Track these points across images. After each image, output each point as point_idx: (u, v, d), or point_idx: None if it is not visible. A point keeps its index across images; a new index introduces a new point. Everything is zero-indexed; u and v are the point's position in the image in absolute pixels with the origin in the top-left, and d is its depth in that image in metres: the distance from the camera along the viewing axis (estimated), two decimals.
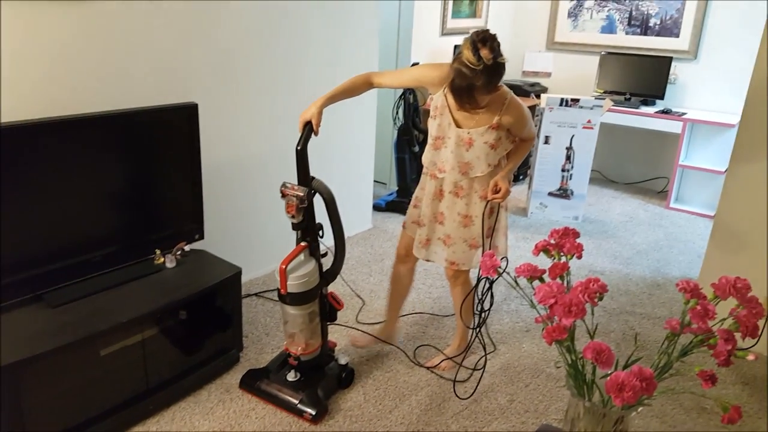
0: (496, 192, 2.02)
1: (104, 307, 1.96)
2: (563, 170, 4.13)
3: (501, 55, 1.76)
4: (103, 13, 2.18)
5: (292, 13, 2.90)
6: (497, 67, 1.76)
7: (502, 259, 2.12)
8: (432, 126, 2.08)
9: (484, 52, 1.73)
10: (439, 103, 2.04)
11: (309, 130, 1.97)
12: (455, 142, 2.02)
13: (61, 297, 1.97)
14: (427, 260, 2.26)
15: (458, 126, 2.02)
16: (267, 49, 2.84)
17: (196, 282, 2.19)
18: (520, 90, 5.02)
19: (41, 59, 2.04)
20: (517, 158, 2.12)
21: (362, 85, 2.08)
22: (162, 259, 2.27)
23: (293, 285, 2.01)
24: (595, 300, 1.30)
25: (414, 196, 2.29)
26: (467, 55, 1.75)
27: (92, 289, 2.04)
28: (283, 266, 1.99)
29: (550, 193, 4.19)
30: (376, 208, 4.09)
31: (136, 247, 2.24)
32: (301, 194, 1.96)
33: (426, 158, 2.13)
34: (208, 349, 2.31)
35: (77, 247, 2.05)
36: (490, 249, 2.18)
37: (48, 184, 1.91)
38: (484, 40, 1.74)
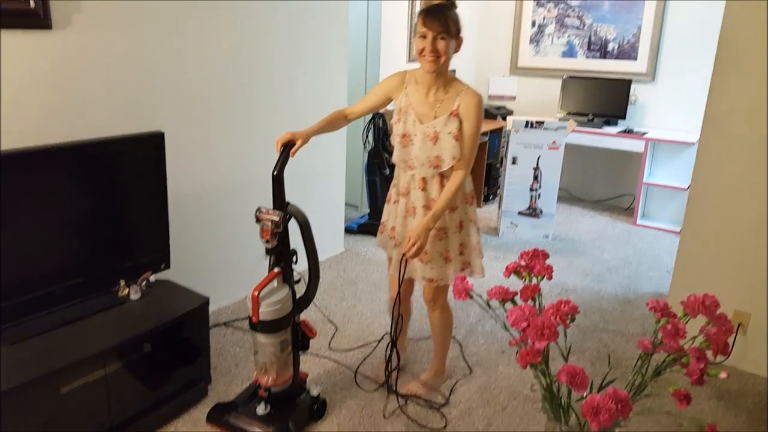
0: (413, 243, 1.95)
1: (65, 343, 1.88)
2: (531, 189, 4.18)
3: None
4: (68, 43, 2.14)
5: (260, 42, 2.89)
6: (456, 6, 1.98)
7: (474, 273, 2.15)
8: (398, 128, 2.08)
9: None
10: (402, 104, 2.07)
11: (286, 154, 1.94)
12: (421, 138, 2.03)
13: (19, 333, 1.88)
14: (408, 278, 2.23)
15: (422, 123, 2.04)
16: (234, 77, 2.82)
17: (161, 313, 2.13)
18: (487, 113, 5.10)
19: (4, 90, 1.98)
20: (443, 199, 2.00)
21: (339, 120, 2.11)
22: (126, 291, 2.20)
23: (266, 312, 1.96)
24: (567, 322, 1.30)
25: (385, 212, 2.28)
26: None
27: (52, 324, 1.95)
28: (256, 292, 1.94)
29: (520, 213, 4.23)
30: (348, 231, 4.07)
31: (99, 278, 2.17)
32: (277, 219, 1.93)
33: (396, 156, 2.13)
34: (175, 383, 2.24)
35: (37, 281, 1.97)
36: (460, 266, 2.18)
37: (7, 216, 1.84)
38: None
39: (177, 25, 2.50)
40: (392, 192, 2.25)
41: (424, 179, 2.08)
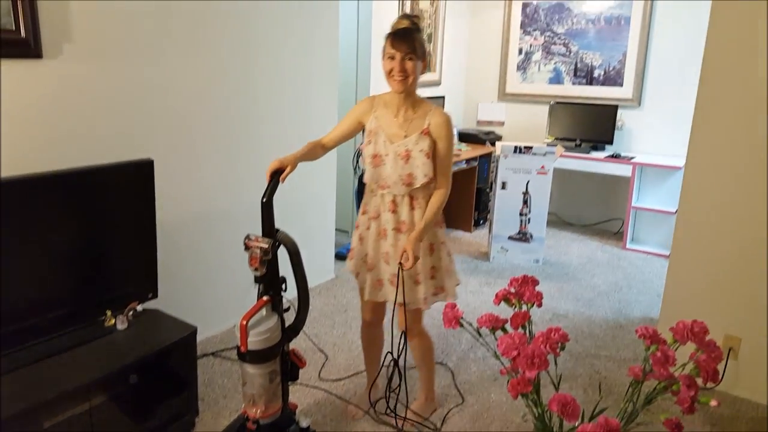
0: (409, 257, 1.99)
1: (49, 375, 1.84)
2: (521, 214, 4.20)
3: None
4: (58, 72, 2.15)
5: (248, 69, 2.91)
6: (421, 30, 2.05)
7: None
8: (369, 149, 2.10)
9: (414, 18, 2.06)
10: (372, 126, 2.09)
11: (276, 180, 1.94)
12: (393, 158, 2.05)
13: (4, 365, 1.84)
14: (384, 300, 2.22)
15: (392, 142, 2.06)
16: (222, 104, 2.83)
17: (148, 344, 2.09)
18: (475, 138, 5.16)
19: None
20: (429, 214, 2.05)
21: (317, 149, 2.12)
22: (113, 321, 2.17)
23: (254, 342, 1.92)
24: (557, 350, 1.29)
25: (356, 236, 2.25)
26: (401, 21, 2.03)
27: (36, 356, 1.92)
28: (244, 321, 1.91)
29: (510, 237, 4.24)
30: (339, 256, 4.05)
31: (85, 308, 2.14)
32: (265, 246, 1.91)
33: (368, 176, 2.14)
34: (161, 416, 2.19)
35: (23, 312, 1.94)
36: (432, 290, 2.16)
37: None
38: (409, 14, 2.14)
39: (165, 53, 2.52)
40: (361, 219, 2.24)
41: (393, 201, 2.09)
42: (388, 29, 2.03)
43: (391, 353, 2.22)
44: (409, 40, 1.97)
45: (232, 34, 2.79)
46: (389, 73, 1.99)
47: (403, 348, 2.17)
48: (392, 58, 1.97)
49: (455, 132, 5.12)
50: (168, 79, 2.55)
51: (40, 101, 2.12)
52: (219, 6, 2.69)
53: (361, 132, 2.18)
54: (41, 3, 2.05)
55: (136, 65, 2.41)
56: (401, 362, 2.19)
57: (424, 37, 4.82)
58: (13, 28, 1.99)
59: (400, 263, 2.01)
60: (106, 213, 2.16)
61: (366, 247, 2.20)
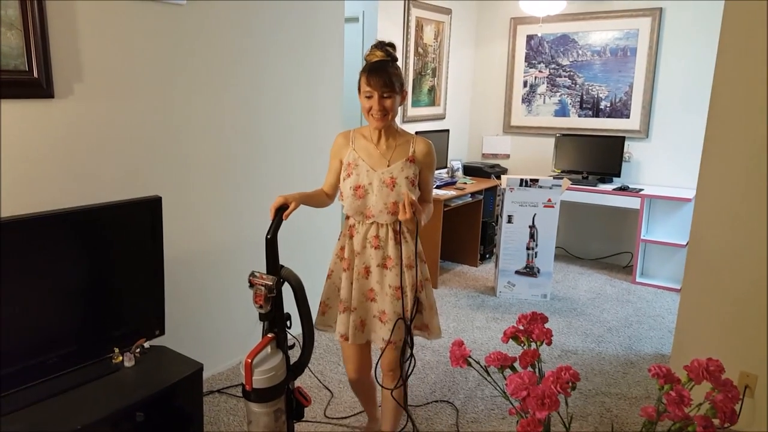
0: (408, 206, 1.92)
1: (58, 413, 1.83)
2: (528, 248, 4.17)
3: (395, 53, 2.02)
4: (68, 112, 2.18)
5: (253, 106, 2.95)
6: (397, 59, 2.01)
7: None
8: (349, 182, 2.04)
9: (389, 48, 1.99)
10: (351, 159, 2.05)
11: (280, 217, 1.95)
12: (378, 186, 2.01)
13: (12, 404, 1.84)
14: (365, 342, 2.14)
15: (375, 170, 2.03)
16: (228, 142, 2.86)
17: (154, 381, 2.07)
18: (480, 171, 5.18)
19: (3, 158, 2.01)
20: (424, 208, 2.05)
21: (322, 197, 2.16)
22: (120, 358, 2.16)
23: (259, 380, 1.90)
24: (568, 390, 1.26)
25: (325, 290, 2.17)
26: (375, 52, 1.97)
27: (45, 394, 1.92)
28: (249, 360, 1.89)
29: (517, 272, 4.21)
30: None
31: (94, 346, 2.13)
32: (270, 283, 1.90)
33: (351, 208, 2.04)
34: None
35: (31, 350, 1.95)
36: (418, 327, 2.11)
37: (2, 285, 1.83)
38: (384, 41, 2.00)
39: (172, 92, 2.56)
40: (336, 265, 2.14)
41: (377, 237, 2.04)
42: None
43: (403, 318, 2.06)
44: (385, 76, 1.92)
45: (238, 72, 2.84)
46: (368, 111, 1.97)
47: (414, 311, 2.07)
48: (370, 96, 1.94)
49: (460, 165, 5.17)
50: (175, 117, 2.59)
51: (51, 140, 2.15)
52: (225, 45, 2.75)
53: None
54: (53, 44, 2.10)
55: (143, 104, 2.45)
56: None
57: (429, 69, 4.90)
58: (27, 68, 2.03)
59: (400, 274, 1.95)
60: (115, 250, 2.17)
61: (343, 290, 2.10)
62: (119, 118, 2.36)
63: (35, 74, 2.05)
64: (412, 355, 2.13)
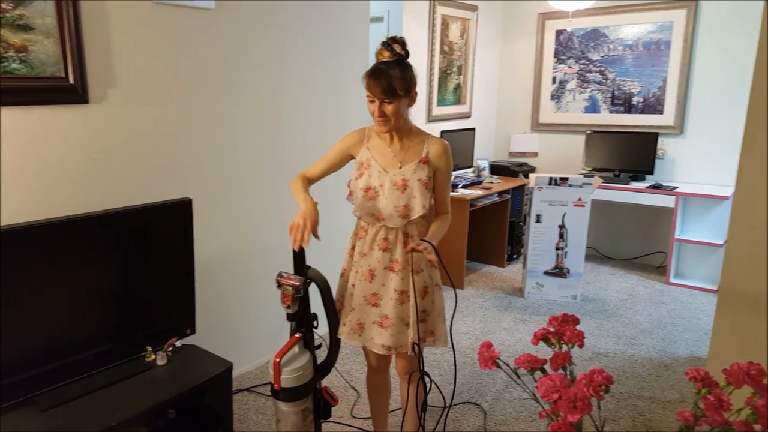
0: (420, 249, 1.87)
1: (94, 410, 1.89)
2: (557, 248, 4.11)
3: (408, 50, 1.91)
4: (103, 116, 2.23)
5: (284, 107, 2.97)
6: (407, 56, 1.90)
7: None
8: (360, 182, 1.99)
9: (396, 47, 1.87)
10: (363, 158, 2.00)
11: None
12: (389, 188, 1.95)
13: (51, 400, 1.91)
14: (363, 346, 2.08)
15: (387, 172, 1.97)
16: (258, 144, 2.88)
17: (186, 379, 2.11)
18: (507, 170, 5.12)
19: (38, 162, 2.07)
20: (438, 228, 1.98)
21: (305, 184, 2.01)
22: (153, 357, 2.20)
23: (287, 379, 1.91)
24: (601, 393, 1.23)
25: (342, 284, 2.11)
26: (382, 52, 1.88)
27: (82, 391, 1.98)
28: (277, 359, 1.90)
29: (546, 272, 4.15)
30: None
31: (128, 344, 2.19)
32: (297, 284, 1.91)
33: (361, 209, 1.99)
34: None
35: (70, 348, 2.01)
36: (421, 334, 2.02)
37: (40, 286, 1.89)
38: (394, 38, 1.89)
39: (202, 96, 2.59)
40: (349, 264, 2.09)
41: (386, 239, 1.98)
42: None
43: (417, 344, 2.03)
44: (383, 82, 1.82)
45: (264, 75, 2.86)
46: (372, 115, 1.90)
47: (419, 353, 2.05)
48: (372, 101, 1.87)
49: (486, 164, 5.12)
50: (204, 120, 2.62)
51: (86, 144, 2.20)
52: (251, 48, 2.77)
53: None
54: (88, 51, 2.14)
55: (174, 108, 2.48)
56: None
57: (454, 67, 4.86)
58: (63, 75, 2.09)
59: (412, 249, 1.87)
60: (148, 252, 2.22)
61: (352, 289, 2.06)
62: (151, 121, 2.40)
63: (71, 80, 2.11)
64: (423, 377, 2.07)
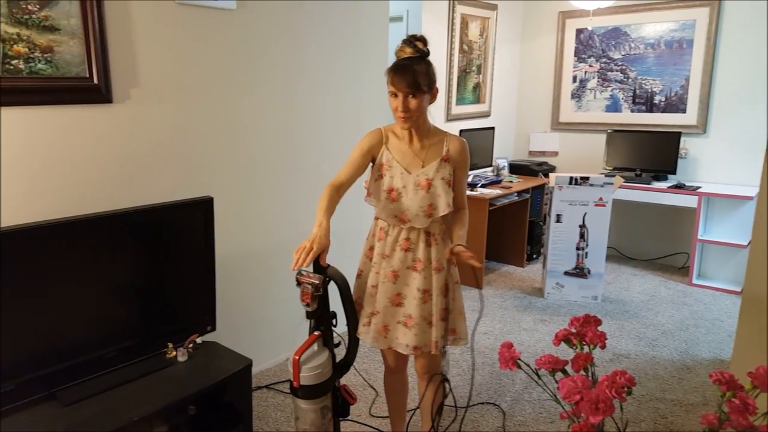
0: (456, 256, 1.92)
1: (115, 405, 1.92)
2: (578, 248, 4.07)
3: (428, 48, 1.93)
4: (126, 115, 2.27)
5: (304, 106, 2.99)
6: (428, 54, 1.91)
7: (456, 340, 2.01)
8: (383, 184, 1.98)
9: (419, 44, 1.89)
10: (384, 159, 1.98)
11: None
12: (413, 188, 1.95)
13: (73, 395, 1.94)
14: (389, 348, 2.07)
15: (410, 173, 1.96)
16: (279, 142, 2.90)
17: (206, 376, 2.14)
18: (527, 169, 5.08)
19: (63, 161, 2.10)
20: (462, 228, 2.01)
21: (335, 194, 1.96)
22: (174, 353, 2.23)
23: (306, 377, 1.92)
24: (624, 395, 1.22)
25: (360, 287, 2.10)
26: (404, 48, 1.89)
27: (104, 386, 2.01)
28: (297, 357, 1.91)
29: (566, 273, 4.11)
30: None
31: (149, 341, 2.22)
32: (317, 282, 1.92)
33: (384, 211, 1.98)
34: None
35: (92, 343, 2.04)
36: (444, 333, 2.02)
37: (63, 283, 1.92)
38: (415, 36, 1.91)
39: (223, 95, 2.62)
40: (365, 265, 2.08)
41: (408, 239, 1.98)
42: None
43: (441, 374, 2.11)
44: (409, 76, 1.83)
45: (284, 74, 2.88)
46: (394, 111, 1.89)
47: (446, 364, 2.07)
48: (395, 95, 1.86)
49: (506, 163, 5.09)
50: (225, 119, 2.64)
51: (109, 143, 2.23)
52: (272, 47, 2.79)
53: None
54: (112, 51, 2.17)
55: (196, 107, 2.51)
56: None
57: (474, 66, 4.84)
58: (87, 75, 2.12)
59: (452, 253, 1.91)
60: (170, 249, 2.24)
61: (368, 297, 2.05)
62: (173, 121, 2.43)
63: (95, 80, 2.14)
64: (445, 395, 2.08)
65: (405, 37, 1.92)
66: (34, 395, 1.89)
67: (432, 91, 1.91)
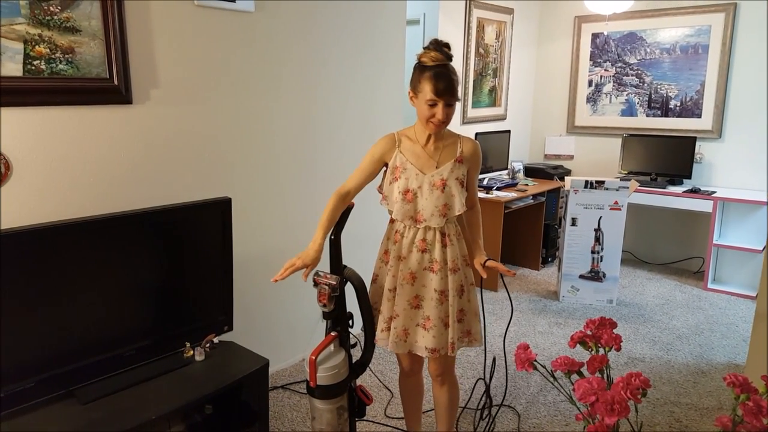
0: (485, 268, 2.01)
1: (133, 404, 1.94)
2: (593, 252, 4.06)
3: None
4: (145, 116, 2.31)
5: (320, 108, 3.02)
6: (452, 59, 1.93)
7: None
8: (397, 186, 1.99)
9: (446, 50, 1.90)
10: (398, 162, 2.00)
11: (345, 218, 1.97)
12: (428, 188, 1.96)
13: (91, 393, 1.96)
14: (410, 352, 2.06)
15: (425, 173, 1.98)
16: (296, 143, 2.94)
17: (223, 375, 2.16)
18: (543, 173, 5.08)
19: (83, 161, 2.15)
20: (479, 232, 2.11)
21: (340, 203, 2.01)
22: (191, 352, 2.25)
23: (323, 377, 1.95)
24: (639, 397, 1.23)
25: (378, 291, 2.11)
26: (435, 55, 1.87)
27: (122, 385, 2.03)
28: (313, 357, 1.94)
29: (582, 276, 4.10)
30: None
31: (167, 340, 2.24)
32: (334, 283, 1.94)
33: (400, 212, 1.98)
34: None
35: (110, 342, 2.06)
36: (459, 334, 2.03)
37: (83, 282, 1.95)
38: (440, 41, 1.91)
39: (242, 97, 2.66)
40: (381, 269, 2.11)
41: (424, 240, 1.99)
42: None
43: (483, 380, 2.13)
44: (448, 84, 1.85)
45: (302, 76, 2.91)
46: (429, 118, 1.89)
47: (492, 371, 2.10)
48: (433, 104, 1.87)
49: (521, 167, 5.09)
50: (244, 121, 2.68)
51: (129, 144, 2.28)
52: (290, 50, 2.82)
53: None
54: (132, 52, 2.21)
55: (214, 108, 2.55)
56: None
57: (490, 69, 4.85)
58: (108, 76, 2.16)
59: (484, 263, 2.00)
60: (188, 249, 2.27)
61: (386, 303, 2.05)
62: (192, 122, 2.47)
63: (115, 81, 2.17)
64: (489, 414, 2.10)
65: (431, 42, 1.92)
66: (52, 393, 1.91)
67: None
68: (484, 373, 2.18)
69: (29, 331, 1.84)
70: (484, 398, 2.20)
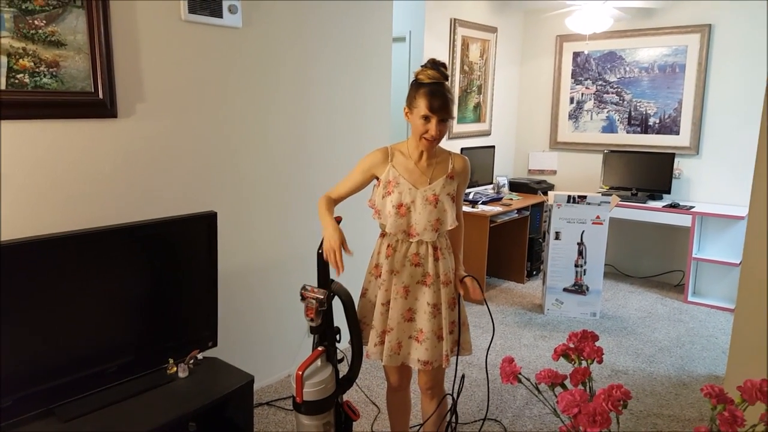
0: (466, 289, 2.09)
1: (115, 421, 1.90)
2: (576, 266, 4.11)
3: None
4: (130, 130, 2.31)
5: (305, 125, 3.04)
6: (448, 78, 1.97)
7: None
8: (390, 200, 2.00)
9: (443, 69, 1.94)
10: (390, 176, 2.01)
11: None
12: (421, 203, 1.99)
13: (72, 411, 1.92)
14: (400, 365, 2.08)
15: (417, 188, 2.00)
16: (280, 158, 2.95)
17: (207, 392, 2.13)
18: (527, 187, 5.15)
19: (67, 175, 2.14)
20: (460, 250, 2.16)
21: (331, 204, 2.07)
22: (174, 369, 2.23)
23: (310, 392, 1.94)
24: (619, 408, 1.25)
25: (368, 304, 2.12)
26: (431, 74, 1.91)
27: (104, 402, 1.99)
28: (300, 372, 1.93)
29: (566, 289, 4.15)
30: None
31: (150, 356, 2.21)
32: (321, 297, 1.95)
33: (394, 226, 2.00)
34: None
35: (92, 359, 2.03)
36: (451, 345, 2.05)
37: (64, 297, 1.93)
38: (437, 61, 1.96)
39: (228, 111, 2.67)
40: (371, 283, 2.12)
41: (417, 254, 2.01)
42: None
43: (451, 395, 2.16)
44: (443, 101, 1.89)
45: (289, 92, 2.93)
46: (423, 133, 1.93)
47: (461, 385, 2.14)
48: (427, 119, 1.91)
49: (506, 181, 5.15)
50: (230, 135, 2.69)
51: (114, 157, 2.27)
52: (277, 65, 2.85)
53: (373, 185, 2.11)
54: (117, 67, 2.21)
55: (200, 123, 2.56)
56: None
57: (474, 86, 4.93)
58: (92, 90, 2.15)
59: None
60: (173, 264, 2.26)
61: (378, 316, 2.06)
62: (178, 136, 2.48)
63: (100, 95, 2.17)
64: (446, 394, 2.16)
65: (429, 61, 1.96)
66: (31, 411, 1.87)
67: None
68: (453, 388, 2.20)
69: (9, 346, 1.81)
70: (448, 415, 2.22)
